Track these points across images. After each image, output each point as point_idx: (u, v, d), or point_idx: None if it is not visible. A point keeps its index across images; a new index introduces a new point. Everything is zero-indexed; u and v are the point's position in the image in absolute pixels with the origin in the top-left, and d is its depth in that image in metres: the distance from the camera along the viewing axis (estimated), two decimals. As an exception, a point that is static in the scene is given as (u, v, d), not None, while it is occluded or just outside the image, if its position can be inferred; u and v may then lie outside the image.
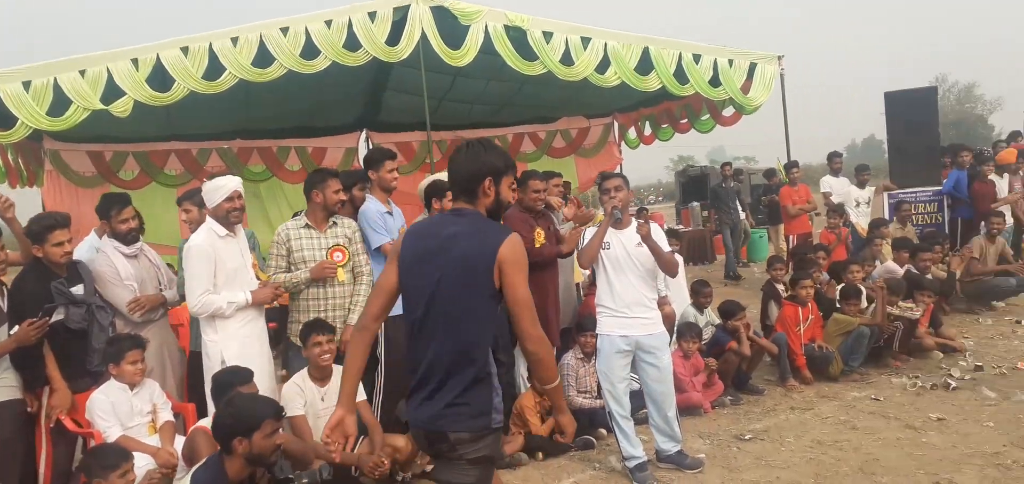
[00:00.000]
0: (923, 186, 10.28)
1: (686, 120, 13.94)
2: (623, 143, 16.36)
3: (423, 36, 8.67)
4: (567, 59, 9.61)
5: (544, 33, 9.52)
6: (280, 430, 3.69)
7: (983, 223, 8.90)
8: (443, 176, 6.02)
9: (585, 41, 9.74)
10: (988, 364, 6.53)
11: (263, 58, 7.49)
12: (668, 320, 6.81)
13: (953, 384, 6.02)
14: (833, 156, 11.25)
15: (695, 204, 20.10)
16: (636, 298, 4.77)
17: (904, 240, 8.55)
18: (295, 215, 5.48)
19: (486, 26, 9.16)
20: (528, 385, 5.57)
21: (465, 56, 9.09)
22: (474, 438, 2.71)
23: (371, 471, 4.43)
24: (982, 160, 9.98)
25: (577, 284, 6.99)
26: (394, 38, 8.56)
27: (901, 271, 7.86)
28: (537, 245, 5.78)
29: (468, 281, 2.71)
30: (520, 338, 2.76)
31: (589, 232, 4.99)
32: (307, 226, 5.03)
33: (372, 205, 5.20)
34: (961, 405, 5.59)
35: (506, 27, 9.33)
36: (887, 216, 10.19)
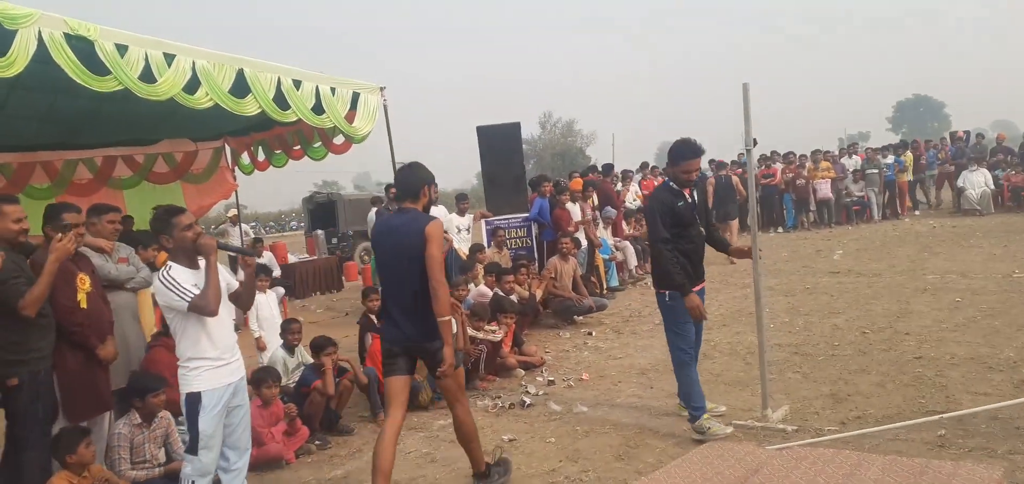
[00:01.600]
0: (514, 213, 11.16)
1: (300, 147, 13.49)
2: (237, 168, 15.38)
3: (-49, 38, 7.03)
4: (148, 76, 8.52)
5: (117, 46, 8.32)
6: None
7: (558, 245, 9.86)
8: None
9: (169, 58, 8.69)
10: (560, 377, 7.12)
11: None
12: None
13: (528, 401, 6.41)
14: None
15: (320, 232, 19.77)
16: (233, 339, 4.36)
17: (494, 265, 9.10)
18: None
19: (39, 33, 7.71)
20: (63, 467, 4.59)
21: (11, 66, 7.47)
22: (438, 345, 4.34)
23: None
24: (560, 190, 11.15)
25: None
26: (-95, 36, 6.81)
27: (490, 293, 8.30)
28: (81, 298, 4.84)
29: (411, 252, 4.30)
30: (430, 282, 4.24)
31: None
32: None
33: None
34: (532, 422, 5.94)
35: (67, 36, 7.96)
36: (486, 242, 10.86)
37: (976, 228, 15.64)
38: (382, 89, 11.52)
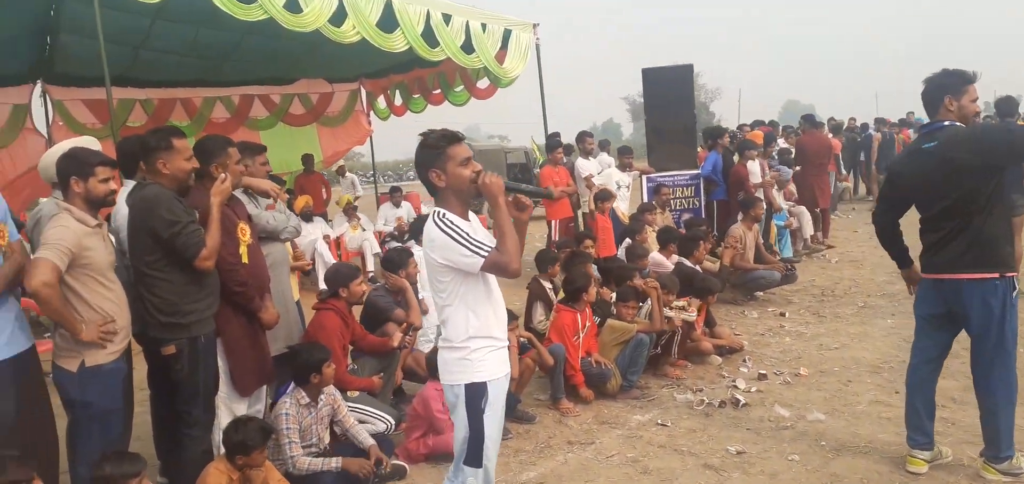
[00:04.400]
0: (681, 168, 9.89)
1: (440, 90, 12.71)
2: (372, 113, 14.78)
3: (96, -40, 6.51)
4: (294, 5, 7.81)
5: (264, -28, 7.64)
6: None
7: (742, 209, 8.55)
8: (84, 142, 4.09)
9: (316, -14, 8.01)
10: (770, 370, 5.94)
11: None
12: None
13: (742, 400, 5.27)
14: (583, 135, 10.51)
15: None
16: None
17: (669, 231, 7.93)
18: None
19: (184, -45, 7.11)
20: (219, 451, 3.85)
21: (158, -10, 6.97)
22: None
23: None
24: (746, 145, 9.78)
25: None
26: (53, -41, 6.33)
27: (670, 265, 7.18)
28: (242, 251, 4.08)
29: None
30: None
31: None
32: None
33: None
34: (757, 429, 4.83)
35: (215, -39, 7.32)
36: (646, 200, 9.71)
37: None
38: (535, 26, 10.51)
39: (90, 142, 4.03)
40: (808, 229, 11.02)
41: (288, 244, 4.98)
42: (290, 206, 10.84)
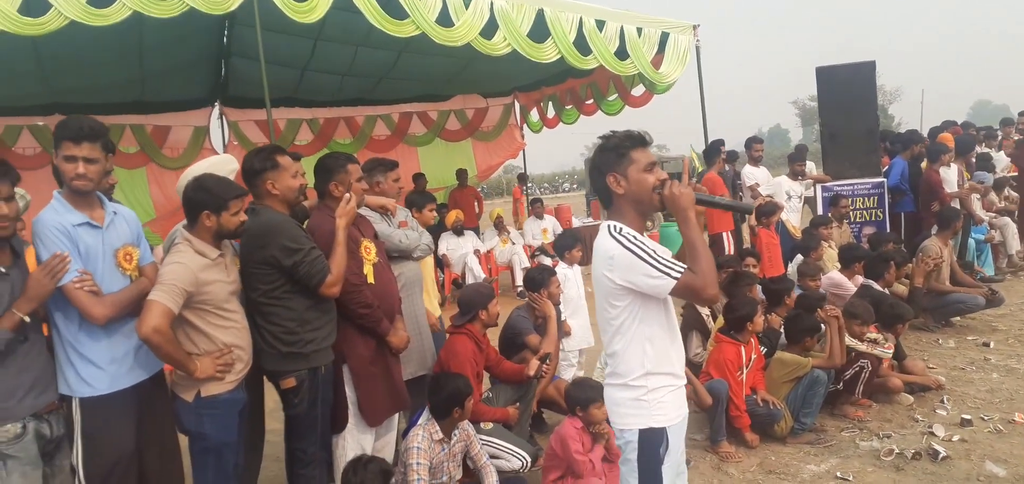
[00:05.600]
0: (862, 176, 8.85)
1: (592, 101, 12.34)
2: (525, 126, 14.68)
3: (258, -16, 6.73)
4: (445, 19, 7.75)
5: (415, -15, 7.62)
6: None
7: (938, 222, 7.46)
8: (220, 162, 4.03)
9: (466, -1, 7.90)
10: (975, 413, 5.01)
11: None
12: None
13: (941, 451, 4.44)
14: (752, 142, 9.67)
15: (605, 195, 18.61)
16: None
17: (853, 248, 7.02)
18: None
19: (334, -23, 7.19)
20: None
21: (313, 11, 7.11)
22: None
23: None
24: (938, 149, 8.61)
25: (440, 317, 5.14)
26: (218, -17, 6.59)
27: (851, 287, 6.33)
28: (367, 271, 3.87)
29: None
30: None
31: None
32: None
33: (49, 214, 3.06)
34: (964, 490, 4.01)
35: (367, -22, 7.37)
36: (821, 212, 8.77)
37: None
38: (695, 28, 9.87)
39: (226, 161, 3.95)
40: (1013, 244, 9.52)
41: (422, 262, 4.77)
42: (443, 220, 10.91)
